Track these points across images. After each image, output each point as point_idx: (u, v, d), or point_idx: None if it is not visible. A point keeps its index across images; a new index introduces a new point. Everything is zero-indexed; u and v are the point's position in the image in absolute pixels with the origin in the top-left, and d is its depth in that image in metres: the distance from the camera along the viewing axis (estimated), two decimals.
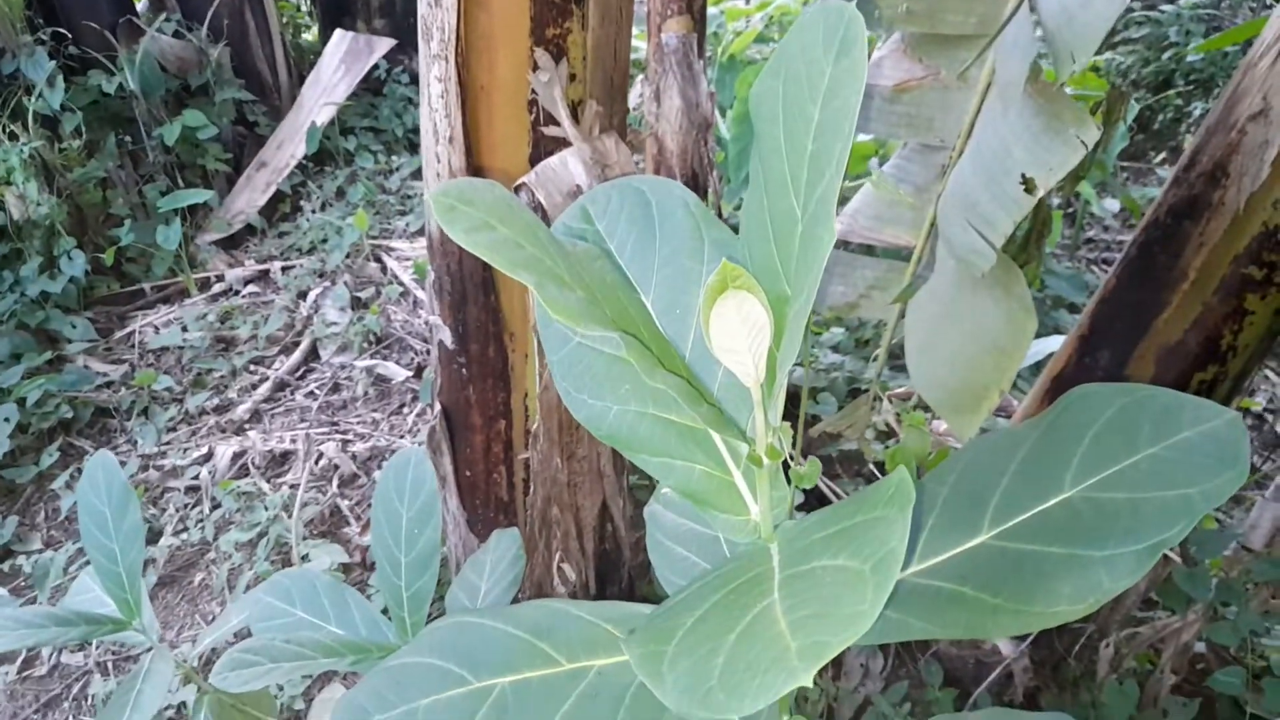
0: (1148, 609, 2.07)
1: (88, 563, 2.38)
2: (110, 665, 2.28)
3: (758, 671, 0.46)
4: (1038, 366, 2.18)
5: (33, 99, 3.45)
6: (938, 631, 0.73)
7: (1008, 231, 1.08)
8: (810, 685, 0.42)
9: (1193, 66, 4.56)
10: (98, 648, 2.33)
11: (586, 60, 1.31)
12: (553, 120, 1.30)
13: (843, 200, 2.04)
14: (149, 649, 1.47)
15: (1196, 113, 4.33)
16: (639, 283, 0.81)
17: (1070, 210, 3.90)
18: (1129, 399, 0.75)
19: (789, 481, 0.74)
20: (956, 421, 1.36)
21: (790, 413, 2.15)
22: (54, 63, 3.54)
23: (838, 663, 2.14)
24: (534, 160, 1.34)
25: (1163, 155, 4.37)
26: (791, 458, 0.66)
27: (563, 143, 1.31)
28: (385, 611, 1.30)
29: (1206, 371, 1.55)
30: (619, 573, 2.00)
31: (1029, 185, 1.03)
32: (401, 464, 1.21)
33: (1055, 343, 2.00)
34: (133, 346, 3.34)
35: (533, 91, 1.28)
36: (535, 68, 1.27)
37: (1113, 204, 4.05)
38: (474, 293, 1.46)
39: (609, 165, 1.31)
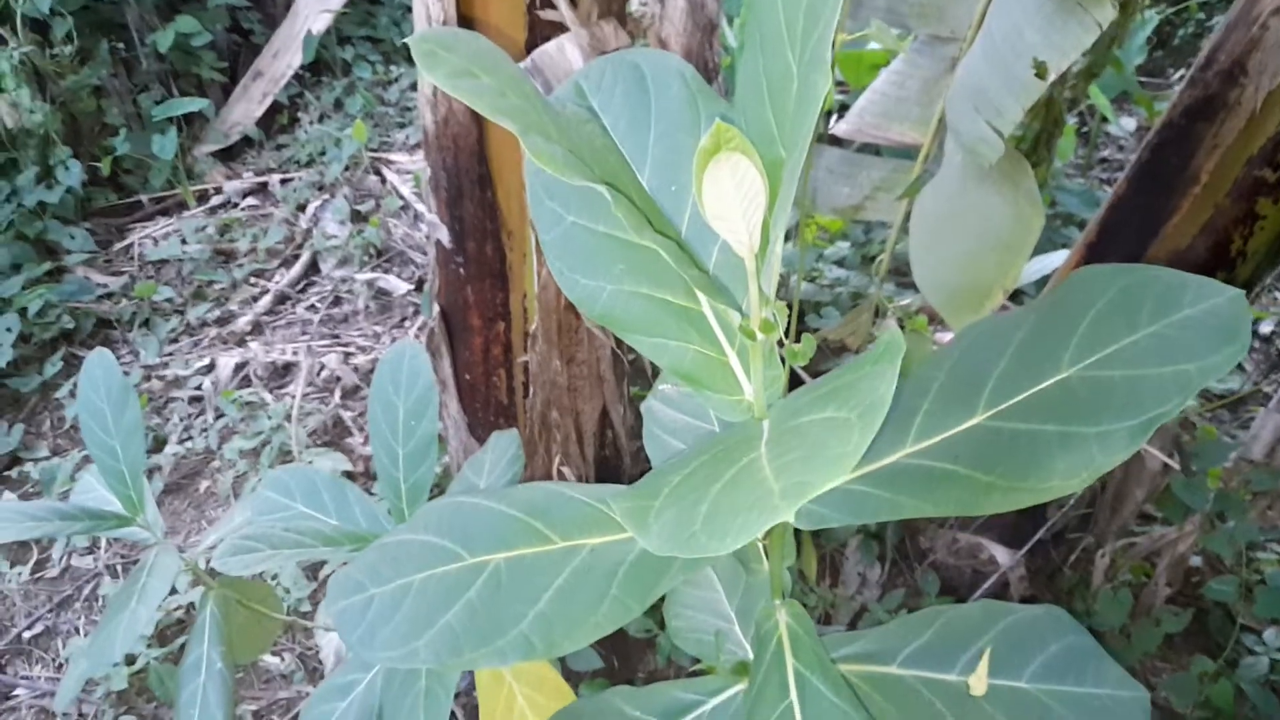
0: (1145, 523, 2.09)
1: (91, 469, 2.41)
2: (119, 568, 2.33)
3: (739, 511, 0.46)
4: (1043, 282, 2.16)
5: (20, 2, 3.36)
6: (929, 509, 0.73)
7: (1017, 118, 1.05)
8: (790, 520, 0.42)
9: None
10: (107, 550, 2.38)
11: None
12: (550, 3, 1.26)
13: (844, 106, 1.99)
14: (153, 545, 1.49)
15: (1220, 22, 4.19)
16: (634, 159, 0.79)
17: (1085, 129, 3.81)
18: (1131, 279, 0.73)
19: (784, 363, 0.73)
20: (959, 322, 1.34)
21: (794, 328, 2.14)
22: None
23: (835, 570, 2.18)
24: (530, 46, 1.30)
25: (1181, 72, 4.25)
26: (784, 344, 0.65)
27: (561, 28, 1.27)
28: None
29: (1217, 278, 1.52)
30: (620, 481, 2.02)
31: (1040, 69, 1.00)
32: (397, 356, 1.21)
33: (1062, 257, 1.97)
34: (132, 258, 3.32)
35: None
36: None
37: (1129, 123, 3.95)
38: (470, 189, 1.44)
39: (607, 53, 1.27)
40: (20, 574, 2.29)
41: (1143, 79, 4.20)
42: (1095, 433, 0.67)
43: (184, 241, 3.34)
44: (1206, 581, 1.84)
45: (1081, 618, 1.89)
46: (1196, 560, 1.98)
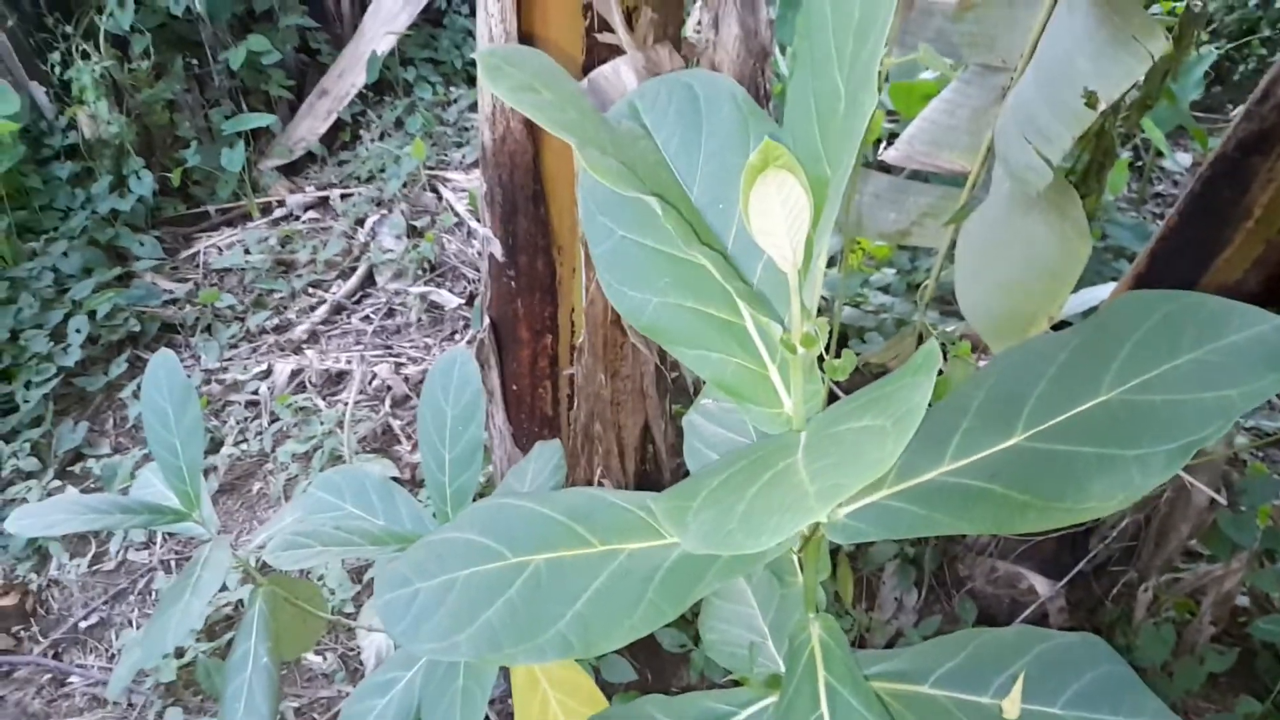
0: (1191, 560, 2.05)
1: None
2: (173, 563, 2.40)
3: (774, 511, 0.47)
4: (1091, 314, 2.13)
5: (104, 19, 3.53)
6: (965, 527, 0.74)
7: (1066, 147, 1.05)
8: (822, 520, 0.44)
9: None
10: (162, 546, 2.46)
11: None
12: (607, 27, 1.30)
13: (894, 134, 2.00)
14: (208, 540, 1.54)
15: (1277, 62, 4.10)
16: (684, 177, 0.81)
17: (1140, 164, 3.76)
18: (1175, 305, 0.73)
19: (823, 378, 0.74)
20: (1002, 348, 1.34)
21: (834, 348, 2.14)
22: None
23: (872, 595, 2.16)
24: (587, 68, 1.34)
25: (1241, 108, 4.15)
26: (824, 359, 0.67)
27: (616, 50, 1.31)
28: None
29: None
30: None
31: (1090, 99, 1.00)
32: (448, 363, 1.25)
33: (1110, 290, 1.96)
34: (197, 266, 3.44)
35: None
36: None
37: (1185, 158, 3.89)
38: (524, 205, 1.48)
39: (662, 75, 1.30)
40: (79, 565, 2.38)
41: (1200, 114, 4.14)
42: (1134, 455, 0.67)
43: (247, 251, 3.45)
44: (1253, 620, 1.80)
45: (1122, 652, 1.85)
46: (1243, 599, 1.93)
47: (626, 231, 0.80)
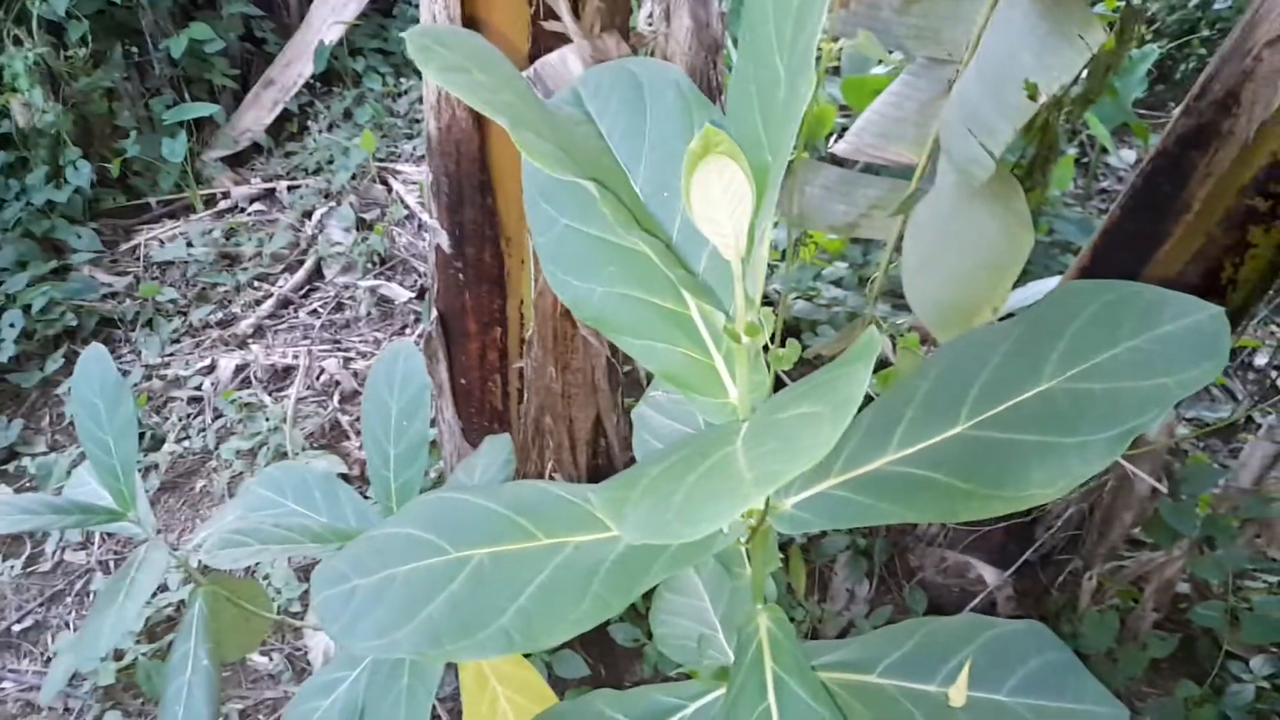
0: (1134, 548, 2.09)
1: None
2: (111, 563, 2.33)
3: (711, 499, 0.47)
4: None
5: (37, 3, 3.40)
6: (910, 515, 0.74)
7: (1007, 139, 1.06)
8: (760, 506, 0.43)
9: (1219, 14, 4.44)
10: (100, 546, 2.38)
11: None
12: (553, 14, 1.28)
13: (844, 127, 2.01)
14: (144, 540, 1.49)
15: (1216, 55, 4.22)
16: (628, 165, 0.80)
17: (1085, 160, 3.84)
18: (1113, 294, 0.74)
19: (769, 369, 0.74)
20: (947, 338, 1.35)
21: (781, 342, 2.15)
22: None
23: (824, 586, 2.18)
24: (533, 57, 1.32)
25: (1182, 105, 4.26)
26: (769, 349, 0.66)
27: (563, 39, 1.29)
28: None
29: None
30: None
31: (1031, 91, 1.01)
32: (392, 357, 1.22)
33: (1056, 283, 1.99)
34: (138, 259, 3.35)
35: None
36: None
37: (1129, 155, 3.99)
38: (471, 194, 1.46)
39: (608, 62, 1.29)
40: (13, 567, 2.30)
41: (1144, 111, 4.24)
42: (1074, 443, 0.68)
43: (190, 244, 3.36)
44: (1194, 607, 1.84)
45: (1068, 640, 1.89)
46: (1184, 586, 1.98)
47: (570, 220, 0.79)
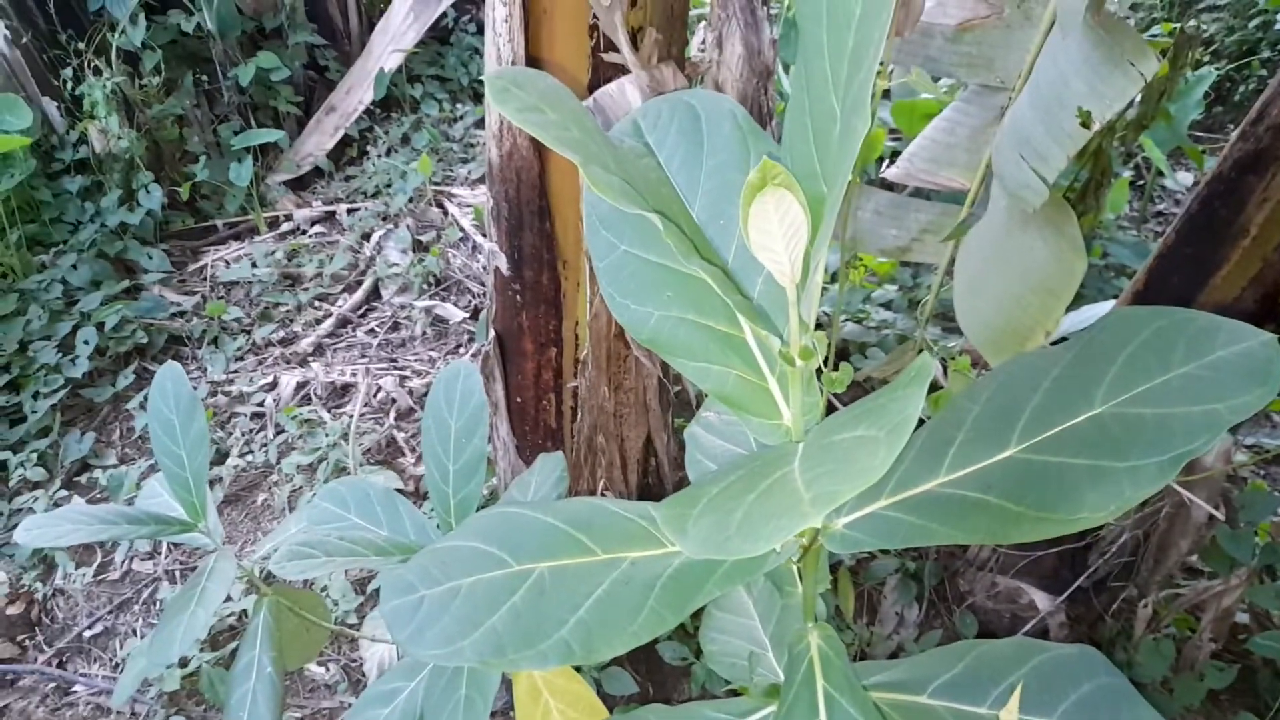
0: (1191, 576, 2.05)
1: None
2: (178, 573, 2.41)
3: (771, 517, 0.49)
4: None
5: (116, 35, 3.57)
6: (960, 536, 0.75)
7: (1061, 166, 1.07)
8: (818, 525, 0.45)
9: None
10: (167, 556, 2.47)
11: None
12: (612, 46, 1.32)
13: (895, 152, 2.03)
14: (213, 550, 1.55)
15: (1275, 78, 4.13)
16: (685, 193, 0.83)
17: (1141, 182, 3.78)
18: (1166, 321, 0.75)
19: (821, 391, 0.76)
20: (999, 362, 1.36)
21: (833, 363, 2.16)
22: (136, 1, 3.65)
23: (873, 610, 2.17)
24: (592, 86, 1.37)
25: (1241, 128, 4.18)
26: (822, 372, 0.68)
27: (621, 69, 1.33)
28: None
29: (1265, 330, 1.52)
30: None
31: (1085, 119, 1.03)
32: (452, 376, 1.26)
33: (1110, 307, 1.98)
34: (204, 279, 3.47)
35: (594, 16, 1.30)
36: None
37: (1186, 177, 3.92)
38: (530, 219, 1.50)
39: (665, 94, 1.33)
40: (84, 575, 2.39)
41: (1201, 134, 4.17)
42: (1125, 467, 0.69)
43: (254, 265, 3.48)
44: (1253, 637, 1.80)
45: (1122, 668, 1.86)
46: (1243, 615, 1.93)
47: (629, 246, 0.82)
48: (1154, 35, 3.55)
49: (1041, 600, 1.98)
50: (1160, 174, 3.54)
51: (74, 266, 3.22)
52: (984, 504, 0.74)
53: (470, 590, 0.78)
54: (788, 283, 0.63)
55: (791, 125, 0.68)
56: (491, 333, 1.73)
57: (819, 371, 0.72)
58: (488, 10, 1.36)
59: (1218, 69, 4.18)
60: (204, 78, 3.95)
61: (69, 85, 3.56)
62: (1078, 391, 0.74)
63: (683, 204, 0.78)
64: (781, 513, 0.49)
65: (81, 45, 3.58)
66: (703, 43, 1.69)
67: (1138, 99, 1.38)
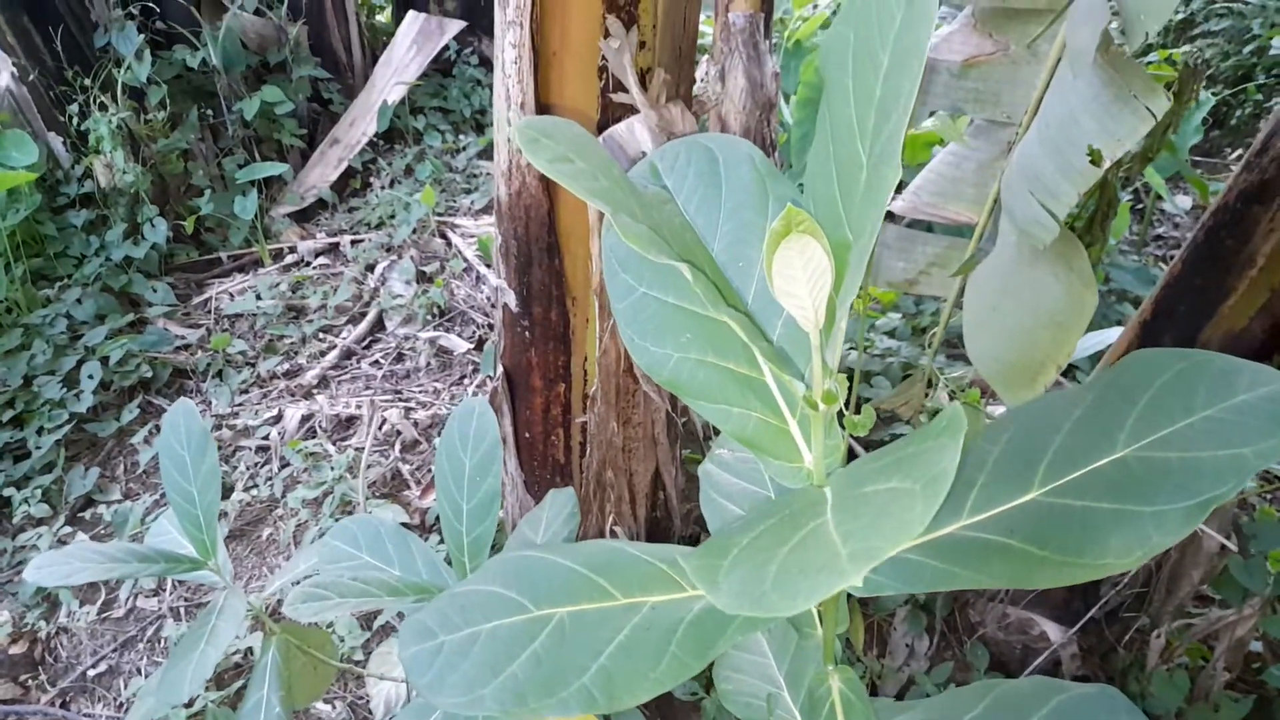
0: (1203, 605, 2.04)
1: (163, 513, 2.50)
2: (183, 610, 2.39)
3: (809, 574, 0.49)
4: (1097, 357, 2.15)
5: (122, 71, 3.60)
6: (984, 580, 0.74)
7: (1071, 203, 1.08)
8: (859, 585, 0.45)
9: (1276, 60, 4.40)
10: (172, 593, 2.45)
11: (656, 28, 1.34)
12: (621, 87, 1.33)
13: (902, 185, 2.04)
14: (223, 588, 1.54)
15: (1278, 108, 4.18)
16: (704, 235, 0.84)
17: (1140, 206, 3.81)
18: (1186, 363, 0.75)
19: (842, 432, 0.76)
20: (1012, 397, 1.36)
21: (853, 399, 2.15)
22: (142, 37, 3.69)
23: (883, 641, 2.15)
24: (602, 126, 1.38)
25: (1238, 152, 4.23)
26: (844, 414, 0.69)
27: (630, 109, 1.34)
28: (447, 561, 1.35)
29: (1272, 360, 1.52)
30: (670, 542, 2.04)
31: (1095, 156, 1.03)
32: (466, 414, 1.26)
33: (1116, 334, 1.98)
34: (209, 312, 3.47)
35: (603, 58, 1.32)
36: (606, 34, 1.30)
37: (1184, 201, 3.95)
38: (539, 256, 1.51)
39: (675, 133, 1.34)
40: (88, 613, 2.37)
41: (1199, 158, 4.20)
42: (1151, 512, 0.68)
43: (258, 297, 3.48)
44: (1268, 668, 1.79)
45: (1136, 700, 1.85)
46: (1257, 645, 1.92)
47: (647, 288, 0.82)
48: (1150, 61, 3.59)
49: (1053, 631, 1.97)
50: (1159, 197, 3.56)
51: (79, 300, 3.23)
52: (1007, 548, 0.73)
53: (490, 636, 0.78)
54: (811, 328, 0.63)
55: (815, 170, 0.69)
56: (500, 368, 1.73)
57: (840, 412, 0.72)
58: (497, 52, 1.38)
59: (1215, 94, 4.23)
60: (209, 112, 3.98)
61: (75, 120, 3.59)
62: (1100, 434, 0.74)
63: (705, 248, 0.79)
64: (818, 569, 0.49)
65: (88, 81, 3.62)
66: (704, 75, 1.70)
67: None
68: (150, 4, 3.89)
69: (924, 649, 2.11)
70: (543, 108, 1.37)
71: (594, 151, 0.64)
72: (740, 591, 0.53)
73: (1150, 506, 0.68)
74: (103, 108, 3.52)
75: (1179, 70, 1.43)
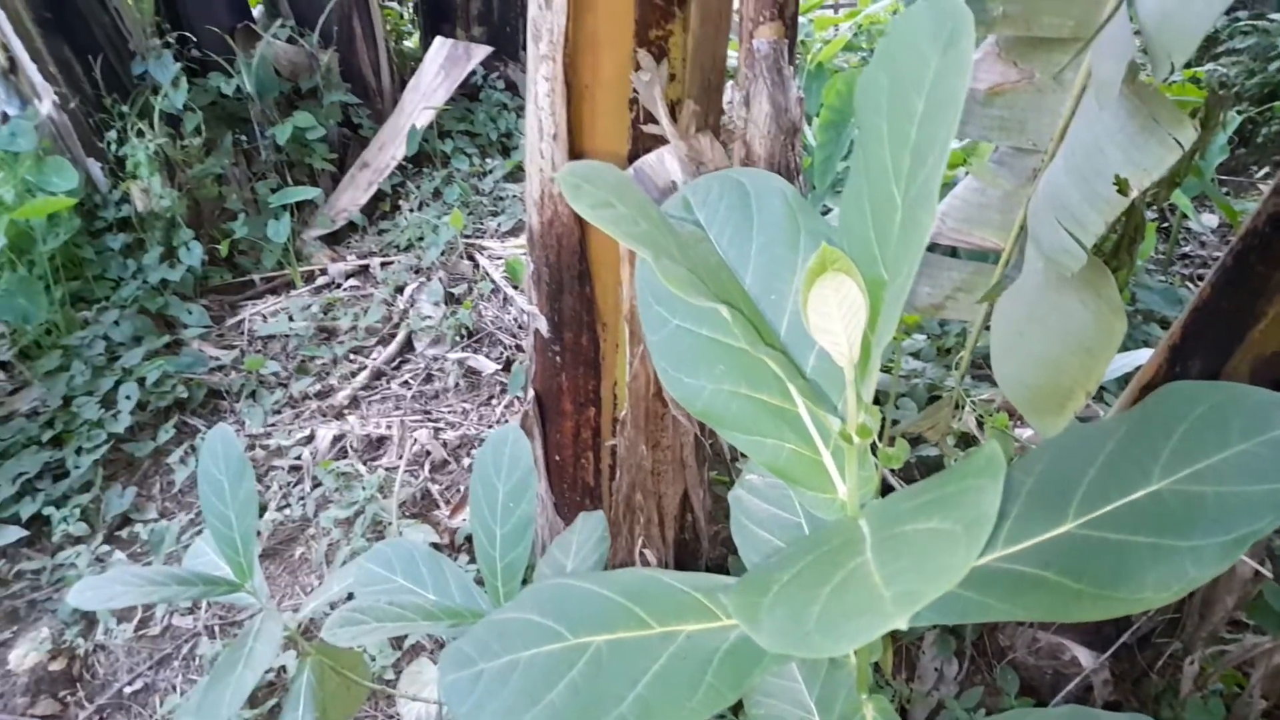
0: (1237, 630, 2.02)
1: (199, 532, 2.54)
2: (217, 629, 2.43)
3: (853, 616, 0.49)
4: (1125, 379, 2.14)
5: (159, 99, 3.69)
6: (1019, 613, 0.75)
7: (1099, 231, 1.09)
8: (904, 628, 0.46)
9: None
10: (206, 611, 2.49)
11: (686, 61, 1.36)
12: (652, 119, 1.36)
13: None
14: (259, 610, 1.57)
15: None
16: (737, 269, 0.85)
17: (1166, 225, 3.79)
18: (1221, 396, 0.75)
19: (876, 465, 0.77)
20: (1040, 423, 1.36)
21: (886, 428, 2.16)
22: (178, 65, 3.78)
23: (911, 665, 2.14)
24: (632, 156, 1.40)
25: (1265, 170, 4.20)
26: (876, 445, 0.69)
27: (660, 140, 1.37)
28: (479, 583, 1.37)
29: None
30: (697, 564, 2.05)
31: (1122, 186, 1.04)
32: (500, 440, 1.28)
33: (1144, 355, 1.97)
34: (243, 333, 3.53)
35: (634, 91, 1.34)
36: (637, 68, 1.33)
37: (1210, 219, 3.92)
38: (570, 284, 1.53)
39: (704, 163, 1.36)
40: (125, 631, 2.41)
41: (1225, 176, 4.17)
42: (1188, 546, 0.68)
43: (291, 319, 3.54)
44: None
45: None
46: None
47: (681, 321, 0.84)
48: (1174, 80, 3.58)
49: (1084, 657, 1.95)
50: (1185, 217, 3.54)
51: (116, 323, 3.29)
52: (1043, 580, 0.74)
53: (529, 664, 0.79)
54: (846, 365, 0.65)
55: (849, 208, 0.70)
56: (531, 392, 1.76)
57: (873, 445, 0.73)
58: (529, 84, 1.41)
59: (1240, 112, 4.20)
60: (242, 137, 4.06)
61: (113, 147, 3.67)
62: (1134, 466, 0.74)
63: (739, 285, 0.80)
64: (862, 612, 0.49)
65: (125, 109, 3.70)
66: (729, 101, 1.72)
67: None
68: (186, 33, 3.99)
69: (953, 673, 2.10)
70: (575, 139, 1.40)
71: (633, 195, 0.66)
72: (783, 631, 0.53)
73: (1187, 541, 0.68)
74: (140, 134, 3.60)
75: (1206, 98, 1.43)
